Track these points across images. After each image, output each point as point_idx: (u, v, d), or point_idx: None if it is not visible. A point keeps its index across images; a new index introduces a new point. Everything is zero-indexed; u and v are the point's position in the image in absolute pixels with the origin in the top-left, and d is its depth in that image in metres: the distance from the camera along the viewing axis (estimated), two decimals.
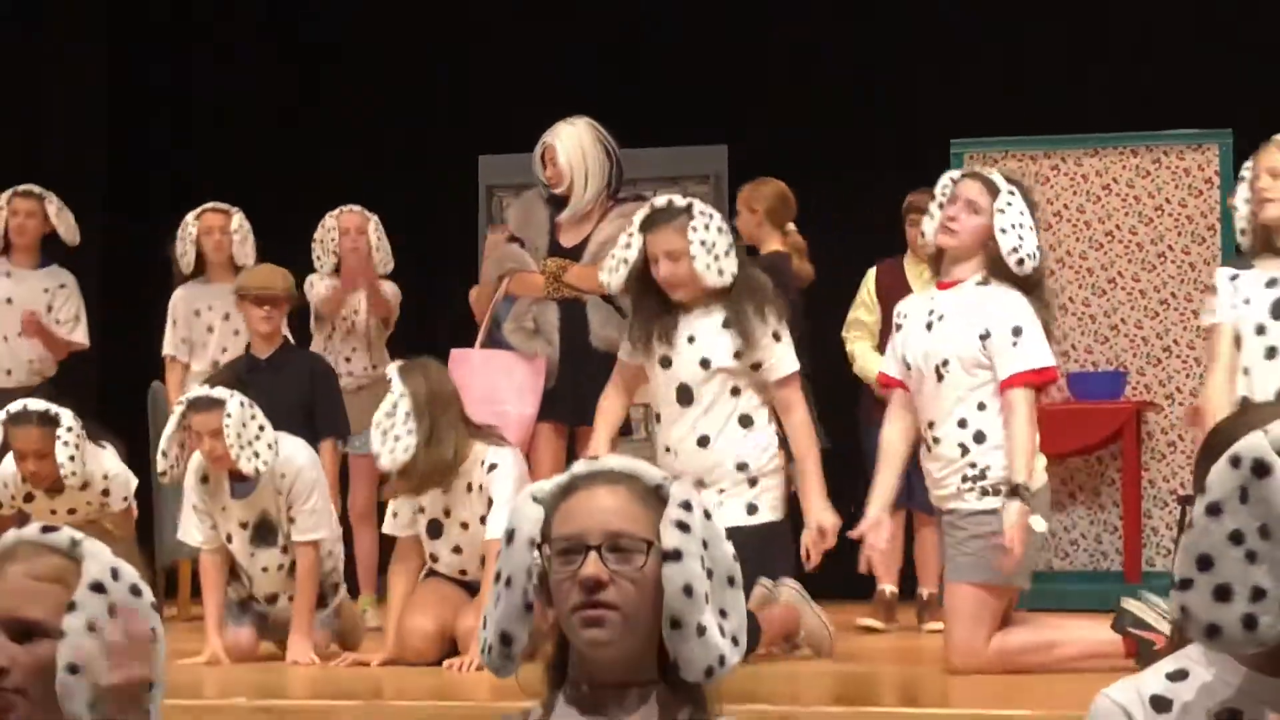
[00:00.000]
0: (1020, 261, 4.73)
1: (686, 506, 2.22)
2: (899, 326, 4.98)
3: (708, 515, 2.23)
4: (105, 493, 6.14)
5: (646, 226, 5.11)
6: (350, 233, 7.33)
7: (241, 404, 5.53)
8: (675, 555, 2.16)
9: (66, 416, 5.98)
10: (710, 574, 2.19)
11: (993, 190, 4.81)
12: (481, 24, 9.57)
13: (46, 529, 2.19)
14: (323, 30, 10.00)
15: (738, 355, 5.07)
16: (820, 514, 5.02)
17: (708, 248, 5.01)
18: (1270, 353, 4.56)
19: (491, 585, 2.28)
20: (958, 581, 4.78)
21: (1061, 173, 8.59)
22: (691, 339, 5.10)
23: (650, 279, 5.12)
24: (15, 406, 6.06)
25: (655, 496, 2.24)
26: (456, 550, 5.46)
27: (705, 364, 5.06)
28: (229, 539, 5.64)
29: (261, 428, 5.53)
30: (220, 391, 5.61)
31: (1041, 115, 8.82)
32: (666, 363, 5.14)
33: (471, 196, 9.72)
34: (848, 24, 9.18)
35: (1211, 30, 8.63)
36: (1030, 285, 4.86)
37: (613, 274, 5.19)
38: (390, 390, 5.39)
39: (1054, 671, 4.79)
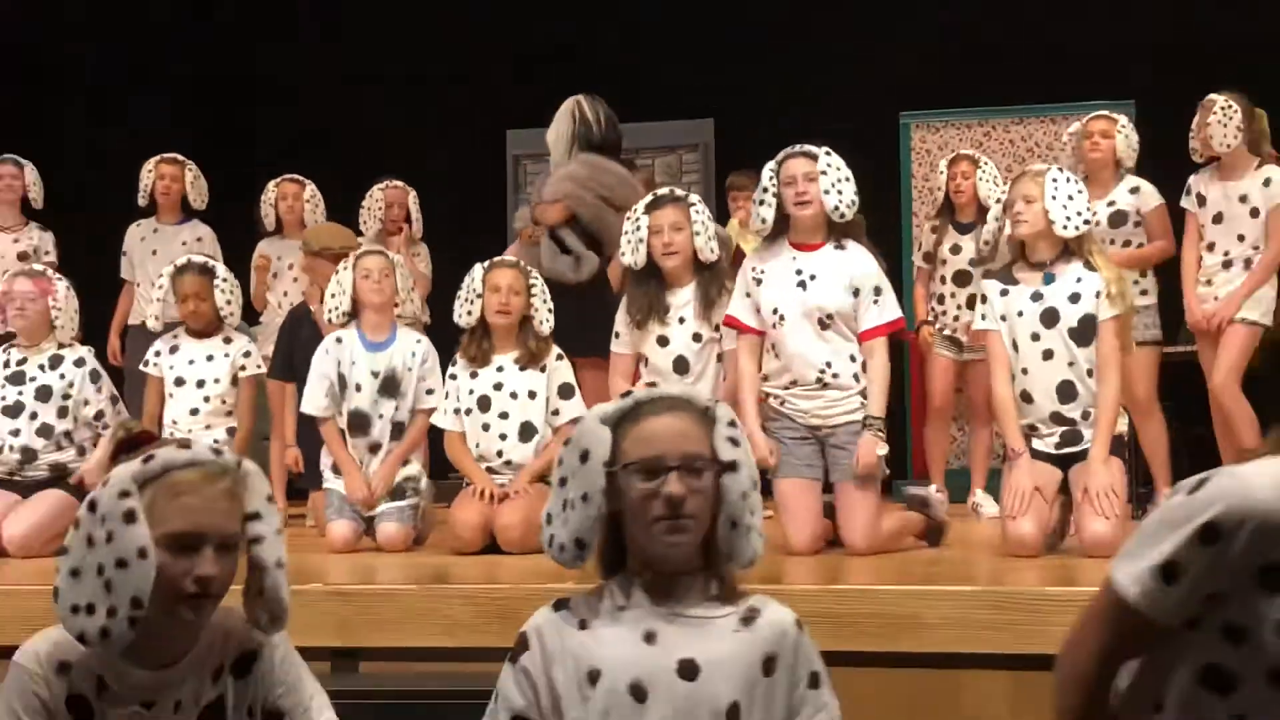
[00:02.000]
0: (841, 215, 4.91)
1: (733, 424, 2.45)
2: (758, 281, 5.04)
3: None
4: (247, 354, 6.13)
5: (652, 207, 5.32)
6: (393, 206, 7.63)
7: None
8: (733, 467, 2.38)
9: (222, 269, 6.18)
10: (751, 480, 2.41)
11: (814, 158, 4.96)
12: (511, 14, 9.52)
13: (215, 450, 2.41)
14: (364, 17, 9.98)
15: (716, 327, 5.30)
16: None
17: (704, 225, 5.29)
18: (1047, 354, 4.81)
19: (557, 493, 2.43)
20: (850, 482, 4.92)
21: (993, 139, 8.70)
22: (682, 319, 5.34)
23: (646, 270, 5.33)
24: (180, 260, 6.24)
25: (705, 416, 2.42)
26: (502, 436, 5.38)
27: (697, 337, 5.31)
28: (358, 388, 5.58)
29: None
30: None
31: (976, 89, 8.88)
32: (663, 341, 5.35)
33: (500, 165, 9.81)
34: (813, 13, 9.22)
35: (1119, 12, 8.73)
36: (858, 233, 5.07)
37: (634, 253, 5.32)
38: None
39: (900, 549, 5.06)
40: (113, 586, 2.24)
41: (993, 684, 3.64)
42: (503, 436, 5.37)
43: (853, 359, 4.99)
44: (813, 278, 4.96)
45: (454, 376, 5.46)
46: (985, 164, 6.98)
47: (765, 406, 5.10)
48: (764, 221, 5.09)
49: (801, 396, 5.01)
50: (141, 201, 7.69)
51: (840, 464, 4.95)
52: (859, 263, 4.99)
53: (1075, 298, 4.79)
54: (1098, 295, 4.77)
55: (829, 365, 4.95)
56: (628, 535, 2.39)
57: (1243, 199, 6.23)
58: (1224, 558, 1.87)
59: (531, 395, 5.38)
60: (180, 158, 7.70)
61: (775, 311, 4.99)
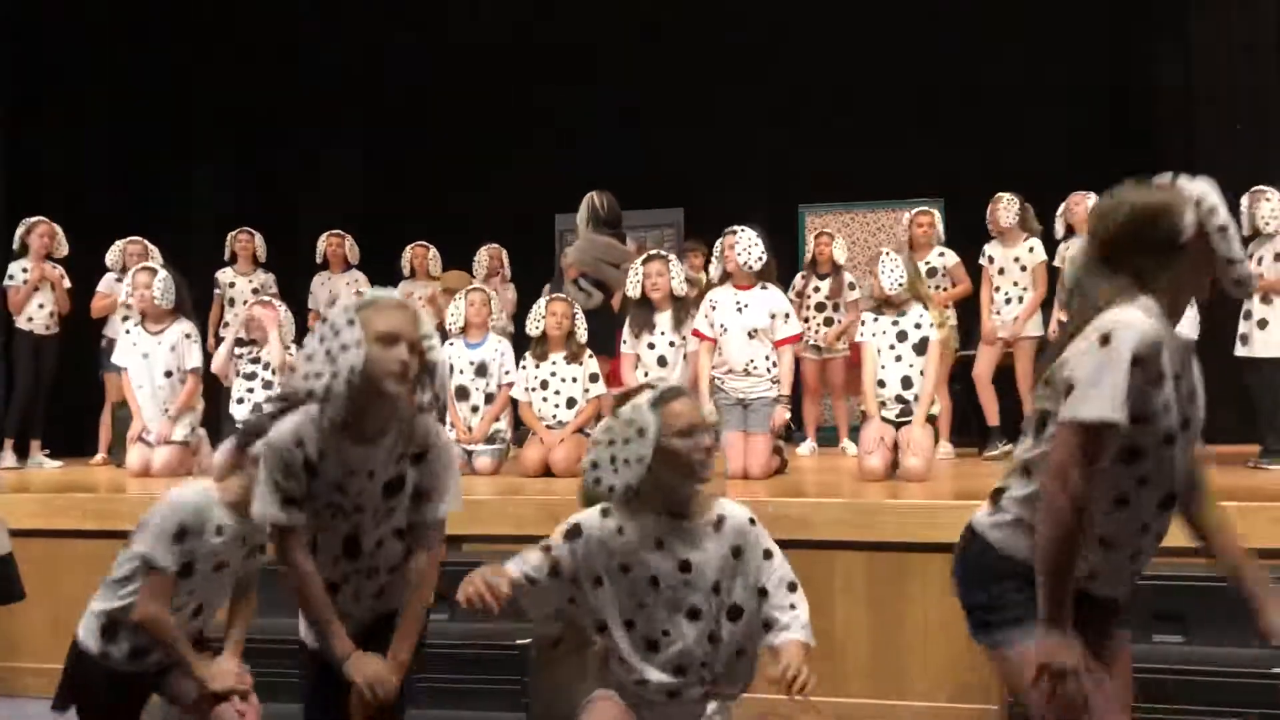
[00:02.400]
0: (749, 267, 4.94)
1: (714, 404, 2.66)
2: (713, 307, 4.99)
3: None
4: None
5: (646, 261, 5.24)
6: (494, 259, 7.51)
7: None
8: (717, 427, 2.51)
9: None
10: None
11: (735, 234, 5.03)
12: (563, 122, 9.13)
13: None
14: (453, 124, 9.42)
15: (684, 337, 5.17)
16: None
17: (677, 273, 5.23)
18: (897, 359, 4.79)
19: (605, 450, 2.38)
20: (760, 432, 4.90)
21: (856, 221, 8.84)
22: (663, 332, 5.21)
23: (642, 301, 5.22)
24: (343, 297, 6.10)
25: (697, 397, 2.57)
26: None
27: (672, 344, 5.20)
28: (461, 372, 5.46)
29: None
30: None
31: (849, 188, 8.88)
32: (651, 346, 5.21)
33: (551, 235, 9.58)
34: (743, 139, 8.90)
35: (935, 128, 8.45)
36: (771, 277, 5.08)
37: (634, 289, 5.25)
38: None
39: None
40: (336, 360, 2.29)
41: (853, 561, 3.64)
42: (556, 406, 5.33)
43: (767, 358, 4.99)
44: (746, 306, 4.98)
45: (524, 367, 5.41)
46: (837, 237, 6.96)
47: (712, 385, 5.06)
48: (719, 272, 5.15)
49: (734, 380, 5.00)
50: (319, 260, 7.61)
51: (752, 422, 4.93)
52: (775, 298, 5.02)
53: (917, 325, 4.81)
54: (930, 325, 4.81)
55: (752, 361, 4.96)
56: (658, 478, 2.36)
57: (1016, 259, 6.27)
58: (1144, 373, 1.90)
59: (574, 380, 5.35)
60: (342, 232, 7.62)
61: (722, 327, 4.99)
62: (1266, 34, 7.67)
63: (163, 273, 5.82)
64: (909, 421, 4.76)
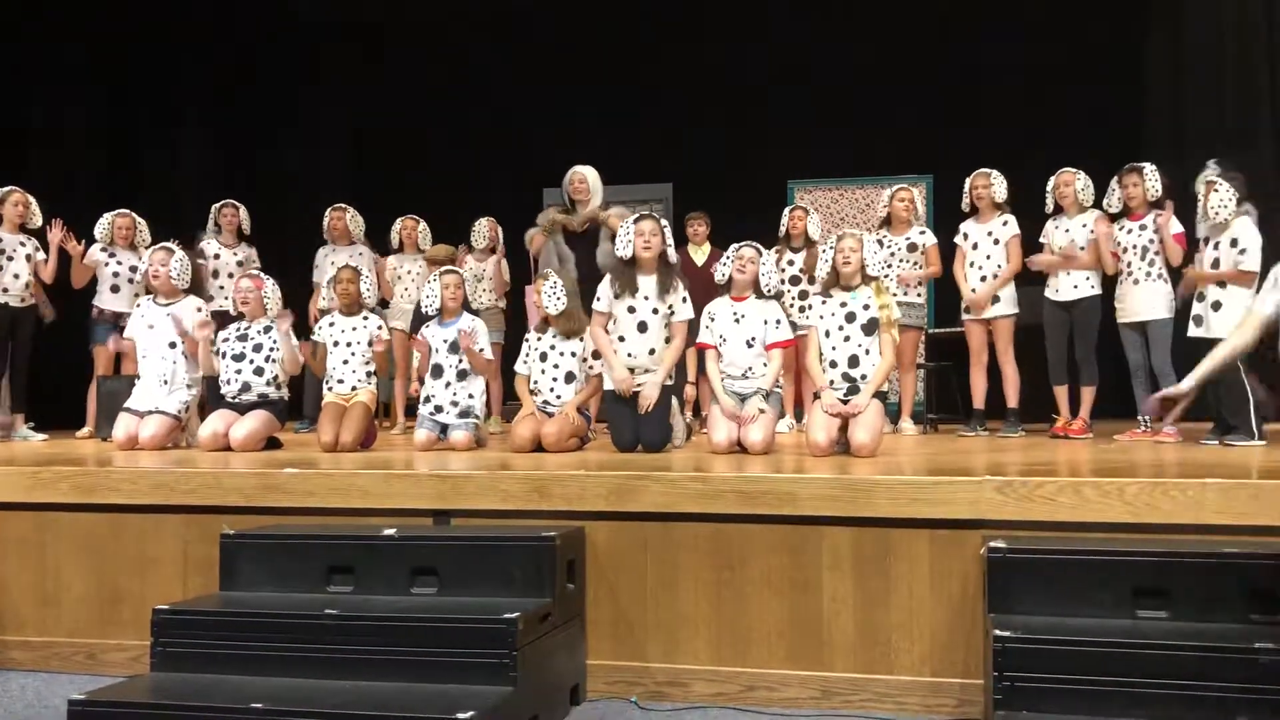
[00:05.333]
0: (769, 289, 5.08)
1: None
2: (713, 318, 5.09)
3: None
4: (379, 327, 5.79)
5: (638, 220, 5.17)
6: (491, 232, 7.37)
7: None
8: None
9: (366, 270, 5.99)
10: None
11: (758, 251, 5.12)
12: (552, 108, 9.27)
13: None
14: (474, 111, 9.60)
15: (670, 309, 5.16)
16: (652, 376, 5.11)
17: (668, 237, 5.17)
18: (845, 339, 4.84)
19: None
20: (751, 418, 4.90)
21: (845, 200, 8.88)
22: (646, 296, 5.14)
23: (630, 260, 5.15)
24: (341, 265, 6.01)
25: None
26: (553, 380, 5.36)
27: (655, 311, 5.13)
28: (437, 350, 5.57)
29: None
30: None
31: (836, 163, 8.95)
32: (632, 310, 5.15)
33: (536, 210, 9.88)
34: (733, 111, 9.04)
35: (924, 106, 8.55)
36: (777, 296, 5.27)
37: (624, 249, 5.15)
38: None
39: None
40: None
41: (840, 537, 3.61)
42: (553, 380, 5.41)
43: (764, 363, 5.08)
44: (744, 316, 5.08)
45: (527, 340, 5.47)
46: (811, 212, 6.99)
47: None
48: (722, 278, 5.17)
49: (734, 380, 5.10)
50: (326, 236, 7.57)
51: (746, 409, 4.99)
52: (769, 307, 5.11)
53: (866, 307, 4.86)
54: (879, 308, 4.85)
55: (750, 366, 5.07)
56: None
57: (990, 233, 6.47)
58: None
59: (572, 354, 5.44)
60: (345, 206, 7.56)
61: (722, 337, 5.10)
62: (1254, 12, 7.67)
63: (179, 253, 6.01)
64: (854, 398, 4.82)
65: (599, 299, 5.21)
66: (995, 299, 6.42)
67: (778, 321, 5.09)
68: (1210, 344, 5.44)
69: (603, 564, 3.74)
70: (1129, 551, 3.09)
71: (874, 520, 3.54)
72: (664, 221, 5.24)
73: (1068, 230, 6.25)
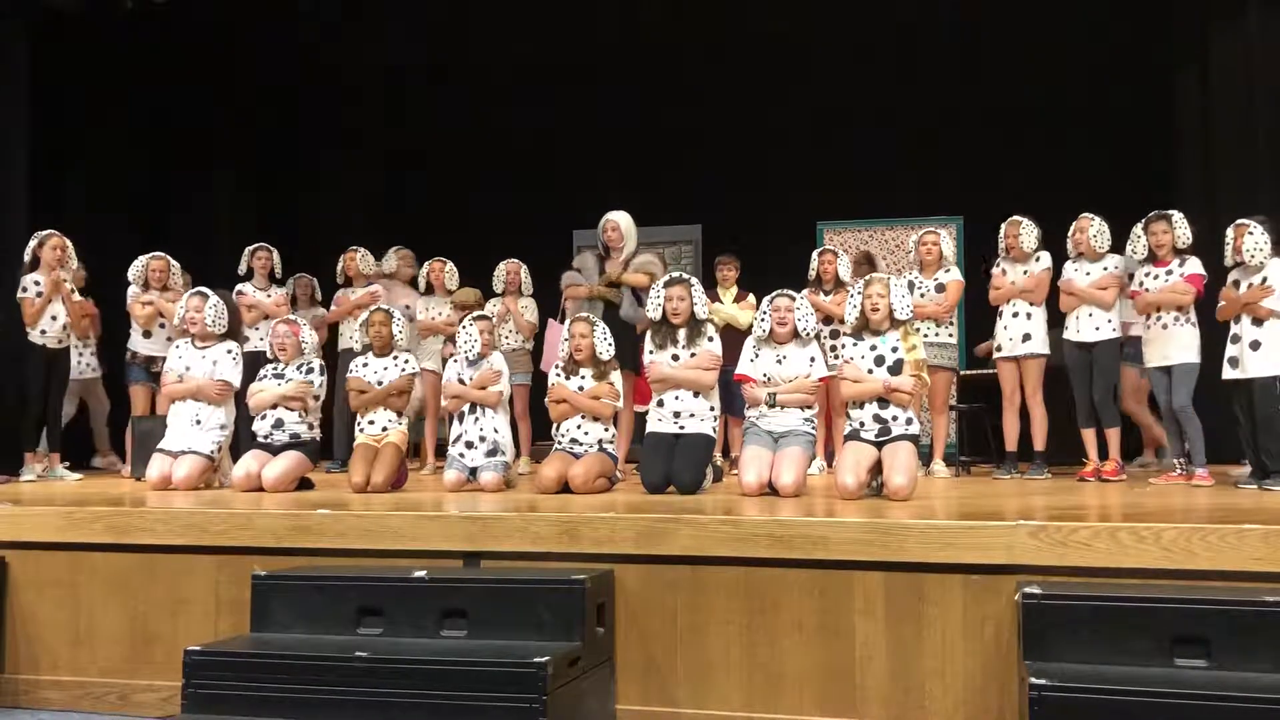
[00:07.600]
0: (807, 333, 5.18)
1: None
2: (757, 354, 5.22)
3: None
4: (408, 362, 5.80)
5: (668, 285, 5.31)
6: (513, 273, 7.37)
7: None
8: None
9: (398, 314, 5.89)
10: None
11: (791, 299, 5.20)
12: (583, 138, 9.33)
13: None
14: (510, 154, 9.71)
15: (692, 354, 5.23)
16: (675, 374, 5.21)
17: (698, 298, 5.27)
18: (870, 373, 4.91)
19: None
20: (784, 453, 4.99)
21: (875, 238, 8.81)
22: (684, 346, 5.25)
23: (665, 315, 5.30)
24: (373, 309, 5.91)
25: None
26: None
27: (693, 354, 5.24)
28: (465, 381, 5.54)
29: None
30: None
31: (863, 206, 8.95)
32: (676, 358, 5.27)
33: (568, 250, 9.46)
34: (764, 157, 9.16)
35: (953, 148, 8.63)
36: (816, 336, 5.31)
37: (654, 310, 5.31)
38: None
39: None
40: None
41: (872, 582, 3.57)
42: (580, 418, 5.37)
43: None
44: (785, 358, 5.20)
45: (557, 374, 5.44)
46: (841, 254, 6.98)
47: (746, 420, 5.25)
48: (763, 334, 5.24)
49: (770, 418, 5.18)
50: (339, 280, 7.65)
51: (779, 446, 5.09)
52: (811, 347, 5.23)
53: (894, 349, 4.91)
54: (907, 350, 4.91)
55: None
56: None
57: (1026, 272, 6.45)
58: None
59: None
60: (357, 247, 7.67)
61: (765, 375, 5.20)
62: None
63: (214, 298, 6.06)
64: (887, 441, 4.81)
65: (649, 352, 5.35)
66: (1026, 336, 6.36)
67: (811, 359, 5.21)
68: (1247, 385, 5.42)
69: (632, 607, 3.70)
70: (1167, 599, 3.04)
71: (907, 565, 3.49)
72: (694, 282, 5.31)
73: (1088, 274, 6.25)
